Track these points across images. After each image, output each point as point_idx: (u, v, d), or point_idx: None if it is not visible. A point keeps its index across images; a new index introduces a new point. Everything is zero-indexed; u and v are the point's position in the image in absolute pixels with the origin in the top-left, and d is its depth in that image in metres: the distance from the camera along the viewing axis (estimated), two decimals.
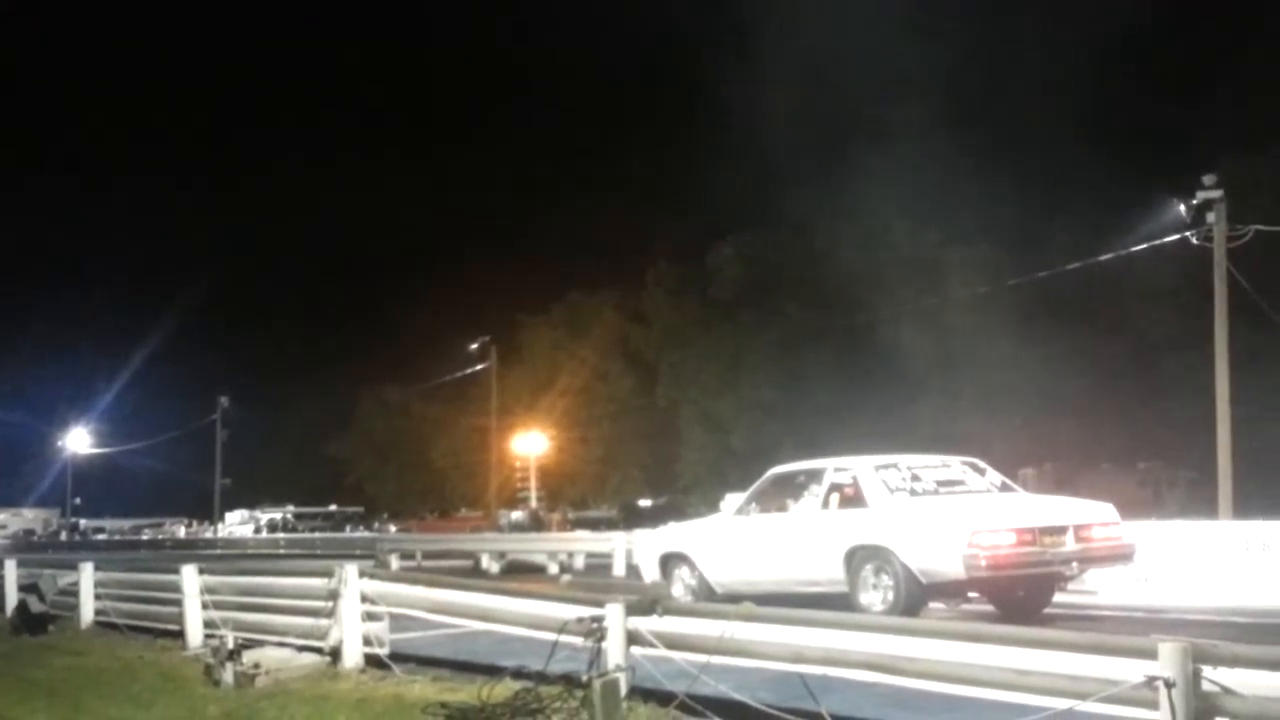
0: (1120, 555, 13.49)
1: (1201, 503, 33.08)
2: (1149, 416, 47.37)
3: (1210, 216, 26.78)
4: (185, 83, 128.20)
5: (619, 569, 24.83)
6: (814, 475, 14.47)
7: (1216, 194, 26.69)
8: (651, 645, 8.23)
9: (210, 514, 75.51)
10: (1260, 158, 43.63)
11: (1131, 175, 44.62)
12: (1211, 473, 27.50)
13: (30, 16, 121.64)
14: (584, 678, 7.99)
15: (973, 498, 13.62)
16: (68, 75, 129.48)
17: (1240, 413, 27.56)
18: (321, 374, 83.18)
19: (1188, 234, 27.59)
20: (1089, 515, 13.38)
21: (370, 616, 10.95)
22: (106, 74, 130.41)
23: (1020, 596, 13.61)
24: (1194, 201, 26.97)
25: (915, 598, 12.58)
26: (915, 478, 13.69)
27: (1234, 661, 5.71)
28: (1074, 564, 12.97)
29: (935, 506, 13.19)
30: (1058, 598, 14.24)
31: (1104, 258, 36.62)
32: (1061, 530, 12.79)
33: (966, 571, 12.19)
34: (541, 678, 8.45)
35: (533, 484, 60.47)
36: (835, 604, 12.05)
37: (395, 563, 30.60)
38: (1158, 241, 30.31)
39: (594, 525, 42.82)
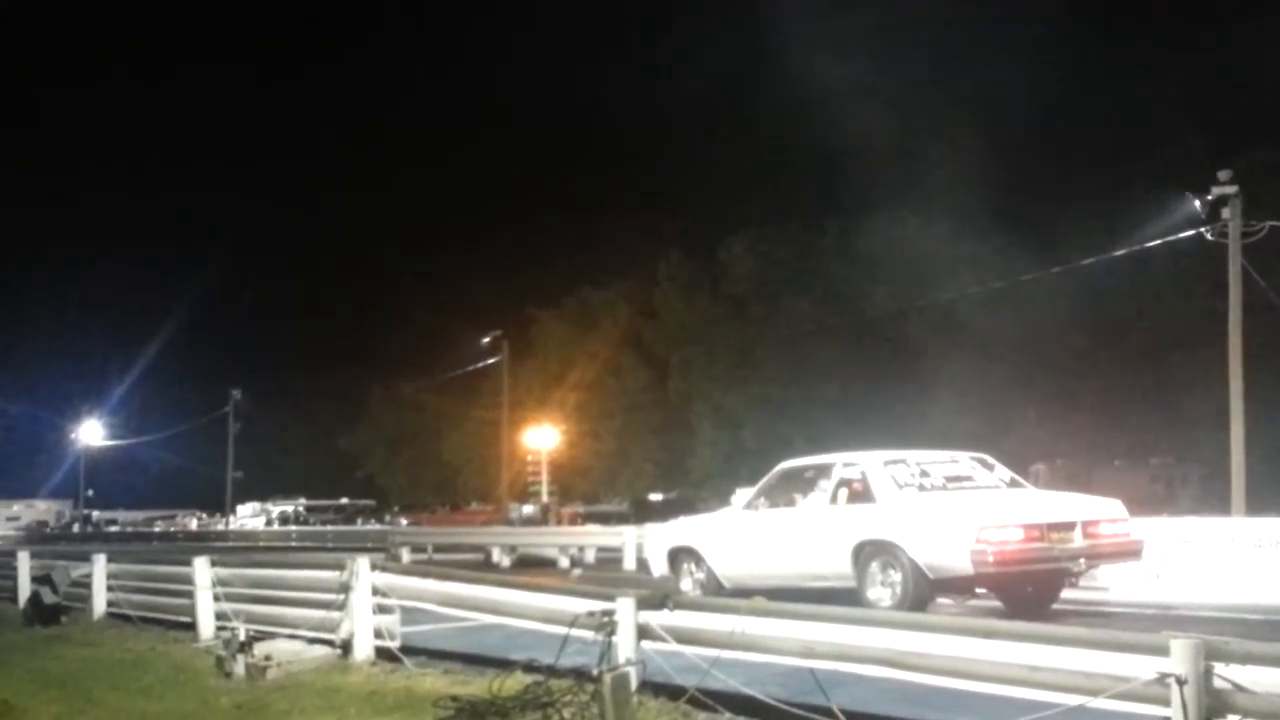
0: (1128, 552, 13.47)
1: (1214, 499, 33.02)
2: (1162, 413, 47.28)
3: (1225, 212, 26.68)
4: (195, 75, 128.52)
5: (630, 563, 24.86)
6: (822, 470, 14.47)
7: (1231, 189, 26.58)
8: (662, 639, 8.22)
9: (222, 506, 75.77)
10: (1276, 153, 43.43)
11: (1146, 170, 44.46)
12: (1224, 469, 27.42)
13: (38, 10, 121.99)
14: (595, 671, 7.99)
15: (981, 493, 13.61)
16: (73, 69, 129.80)
17: (1254, 409, 27.47)
18: (333, 367, 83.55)
19: (1202, 230, 27.49)
20: (1097, 511, 13.37)
21: (381, 609, 10.96)
22: (113, 67, 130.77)
23: (1028, 592, 13.59)
24: (1209, 197, 26.87)
25: (922, 593, 12.58)
26: (924, 473, 13.68)
27: (1246, 659, 5.69)
28: (1081, 560, 12.95)
29: (943, 502, 13.18)
30: (1069, 594, 14.22)
31: (1118, 253, 36.53)
32: (1069, 526, 12.78)
33: (974, 567, 12.19)
34: (552, 671, 8.45)
35: (544, 478, 60.50)
36: (843, 599, 12.05)
37: (406, 556, 30.66)
38: (1172, 237, 30.23)
39: (605, 519, 42.84)
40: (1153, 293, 46.52)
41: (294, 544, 50.23)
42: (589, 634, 8.55)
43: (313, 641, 11.11)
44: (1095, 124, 58.85)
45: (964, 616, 12.08)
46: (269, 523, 73.72)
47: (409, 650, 10.77)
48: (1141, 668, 5.90)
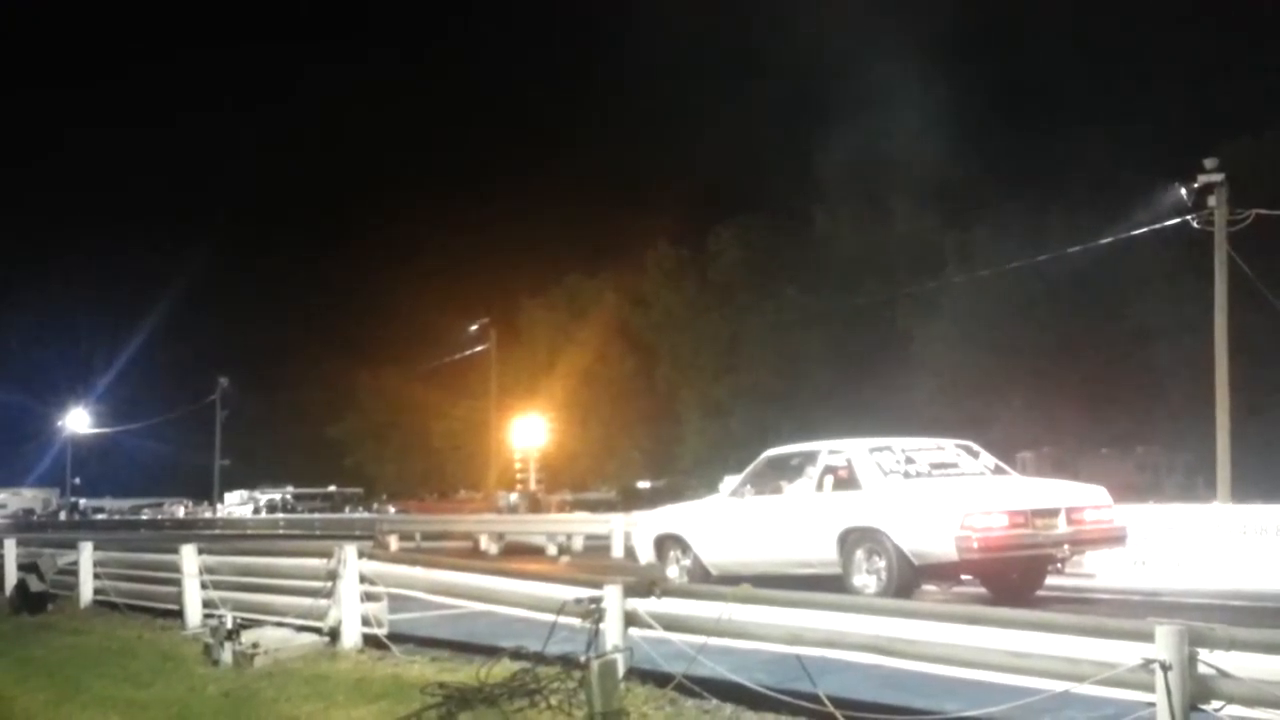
0: (1112, 538, 13.57)
1: (1200, 486, 33.18)
2: (1148, 401, 47.45)
3: (1211, 200, 26.70)
4: (180, 62, 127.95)
5: (617, 551, 24.84)
6: (808, 457, 14.49)
7: (1217, 177, 26.60)
8: (649, 626, 8.24)
9: (209, 494, 75.55)
10: (1261, 141, 43.54)
11: (1132, 159, 44.56)
12: (1210, 457, 27.51)
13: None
14: (582, 659, 8.00)
15: (965, 480, 13.65)
16: (63, 58, 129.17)
17: (1239, 397, 27.56)
18: (321, 355, 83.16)
19: (1188, 218, 27.52)
20: (1081, 498, 13.45)
21: (369, 597, 10.95)
22: (100, 55, 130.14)
23: (1013, 579, 13.65)
24: (1195, 185, 26.88)
25: (908, 579, 12.62)
26: (909, 460, 13.71)
27: (1230, 645, 5.72)
28: (1065, 546, 13.02)
29: (928, 489, 13.22)
30: (1054, 580, 14.28)
31: (1104, 241, 36.56)
32: (1053, 513, 12.84)
33: (959, 553, 12.24)
34: (540, 658, 8.46)
35: (531, 473, 60.30)
36: (829, 586, 12.07)
37: (394, 543, 30.59)
38: (1158, 225, 30.27)
39: (593, 507, 42.83)
40: (1139, 281, 46.62)
41: (281, 532, 50.14)
42: (576, 621, 8.56)
43: (300, 629, 11.10)
44: (1082, 112, 58.97)
45: (949, 603, 12.13)
46: (256, 511, 73.53)
47: (396, 638, 10.76)
48: (1126, 654, 5.93)
